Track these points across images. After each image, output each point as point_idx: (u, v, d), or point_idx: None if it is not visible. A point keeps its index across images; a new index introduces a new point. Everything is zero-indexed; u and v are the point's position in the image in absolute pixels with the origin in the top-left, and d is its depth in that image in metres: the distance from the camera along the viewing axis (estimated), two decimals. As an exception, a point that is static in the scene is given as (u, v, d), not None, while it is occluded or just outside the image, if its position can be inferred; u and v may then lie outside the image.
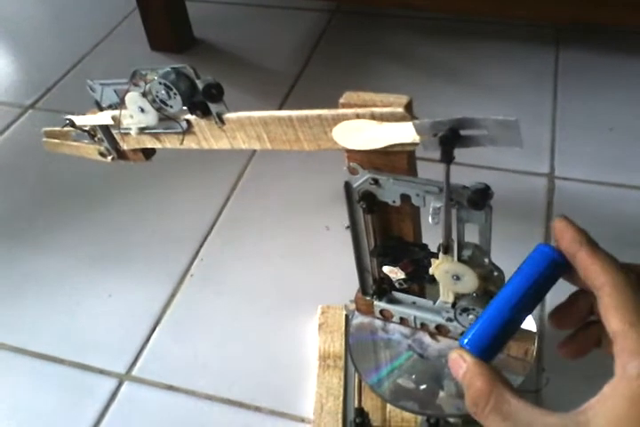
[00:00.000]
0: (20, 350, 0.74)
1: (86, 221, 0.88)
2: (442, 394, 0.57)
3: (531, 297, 0.41)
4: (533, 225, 0.82)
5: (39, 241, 0.87)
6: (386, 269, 0.53)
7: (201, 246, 0.84)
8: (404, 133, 0.44)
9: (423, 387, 0.57)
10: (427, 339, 0.60)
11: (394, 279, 0.53)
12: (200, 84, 0.51)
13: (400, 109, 0.44)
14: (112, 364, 0.72)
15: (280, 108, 1.06)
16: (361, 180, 0.49)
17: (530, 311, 0.42)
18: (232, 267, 0.81)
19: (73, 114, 1.05)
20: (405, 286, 0.53)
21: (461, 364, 0.40)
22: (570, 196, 0.86)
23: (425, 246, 0.52)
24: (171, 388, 0.69)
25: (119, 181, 0.92)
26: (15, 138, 1.05)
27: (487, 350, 0.41)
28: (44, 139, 0.72)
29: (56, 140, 0.71)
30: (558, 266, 0.41)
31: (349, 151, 0.48)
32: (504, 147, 0.40)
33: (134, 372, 0.71)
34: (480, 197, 0.44)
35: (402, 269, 0.52)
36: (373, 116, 0.45)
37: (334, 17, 1.27)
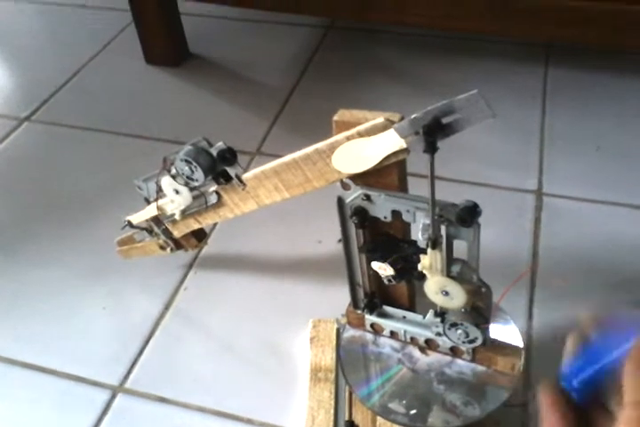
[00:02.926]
0: (13, 362, 0.74)
1: (81, 234, 0.89)
2: (431, 407, 0.58)
3: None
4: (521, 241, 0.83)
5: (34, 253, 0.87)
6: (375, 265, 0.54)
7: (194, 260, 0.85)
8: (392, 142, 0.45)
9: (412, 400, 0.58)
10: (416, 353, 0.61)
11: (382, 276, 0.54)
12: (214, 152, 0.54)
13: (380, 119, 0.45)
14: (105, 376, 0.72)
15: (274, 121, 1.07)
16: (353, 195, 0.51)
17: None
18: (225, 281, 0.82)
19: (69, 127, 1.07)
20: (394, 282, 0.54)
21: None
22: (557, 212, 0.87)
23: (414, 242, 0.53)
24: (163, 400, 0.70)
25: (113, 194, 0.93)
26: (11, 150, 1.05)
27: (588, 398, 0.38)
28: (118, 248, 0.79)
29: (126, 247, 0.78)
30: None
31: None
32: (480, 122, 0.41)
33: (127, 384, 0.72)
34: (468, 215, 0.45)
35: (390, 266, 0.53)
36: (360, 134, 0.47)
37: (329, 33, 1.29)
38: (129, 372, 0.73)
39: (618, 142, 0.98)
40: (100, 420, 0.68)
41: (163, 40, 1.20)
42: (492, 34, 1.13)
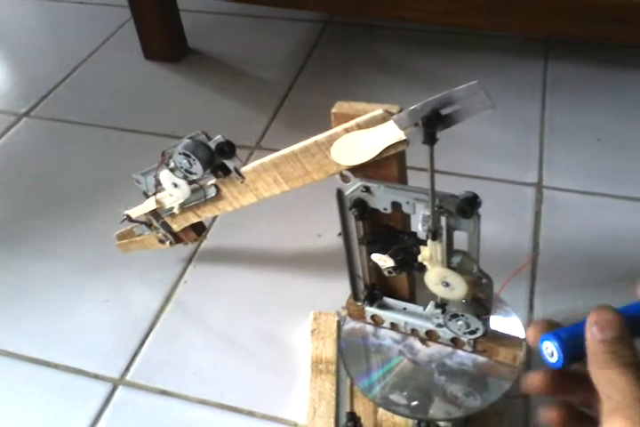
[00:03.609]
0: (14, 355, 0.75)
1: (81, 228, 0.89)
2: (432, 398, 0.58)
3: None
4: (521, 234, 0.83)
5: (34, 248, 0.87)
6: (375, 257, 0.54)
7: (194, 253, 0.85)
8: (391, 134, 0.45)
9: (413, 391, 0.58)
10: (417, 344, 0.61)
11: (383, 267, 0.54)
12: (213, 145, 0.54)
13: (379, 111, 0.45)
14: (106, 369, 0.72)
15: (274, 117, 1.07)
16: (353, 187, 0.50)
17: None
18: (225, 274, 0.82)
19: (67, 123, 1.07)
20: (394, 274, 0.54)
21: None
22: (558, 205, 0.87)
23: (413, 234, 0.53)
24: (164, 393, 0.70)
25: (112, 189, 0.93)
26: (10, 146, 1.05)
27: (572, 353, 0.39)
28: (117, 242, 0.79)
29: (125, 241, 0.78)
30: None
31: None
32: (480, 113, 0.41)
33: (128, 377, 0.72)
34: (468, 206, 0.45)
35: (391, 257, 0.53)
36: (359, 126, 0.46)
37: (327, 28, 1.29)
38: (129, 365, 0.73)
39: (618, 134, 0.98)
40: (100, 413, 0.69)
41: (162, 36, 1.20)
42: (491, 29, 1.13)
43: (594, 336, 0.37)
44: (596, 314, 0.37)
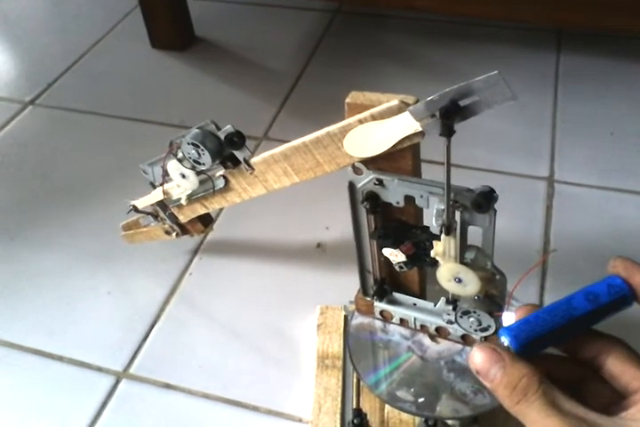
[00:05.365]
0: (18, 347, 0.74)
1: (85, 218, 0.88)
2: (440, 396, 0.57)
3: (587, 320, 0.40)
4: (533, 229, 0.82)
5: (38, 238, 0.86)
6: (386, 251, 0.53)
7: (200, 245, 0.84)
8: (406, 125, 0.44)
9: (421, 388, 0.57)
10: (426, 341, 0.60)
11: (394, 262, 0.53)
12: (222, 135, 0.54)
13: (395, 102, 0.44)
14: (110, 361, 0.72)
15: (282, 107, 1.06)
16: (365, 180, 0.49)
17: (577, 332, 0.40)
18: (231, 266, 0.81)
19: (73, 111, 1.06)
20: (406, 269, 0.53)
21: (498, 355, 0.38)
22: (569, 200, 0.86)
23: (426, 229, 0.52)
24: (168, 386, 0.69)
25: (118, 179, 0.92)
26: (15, 134, 1.05)
27: (525, 347, 0.38)
28: (122, 233, 0.78)
29: (131, 231, 0.77)
30: (626, 303, 0.40)
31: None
32: (500, 105, 0.40)
33: (132, 370, 0.71)
34: (485, 200, 0.44)
35: (402, 252, 0.52)
36: (373, 117, 0.45)
37: (336, 17, 1.27)
38: (133, 357, 0.72)
39: (631, 128, 0.97)
40: (103, 406, 0.68)
41: (168, 24, 1.19)
42: (499, 19, 1.12)
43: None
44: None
